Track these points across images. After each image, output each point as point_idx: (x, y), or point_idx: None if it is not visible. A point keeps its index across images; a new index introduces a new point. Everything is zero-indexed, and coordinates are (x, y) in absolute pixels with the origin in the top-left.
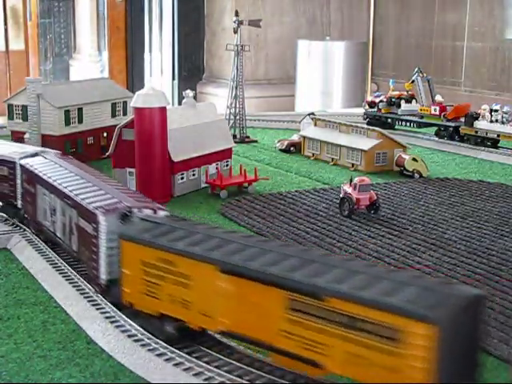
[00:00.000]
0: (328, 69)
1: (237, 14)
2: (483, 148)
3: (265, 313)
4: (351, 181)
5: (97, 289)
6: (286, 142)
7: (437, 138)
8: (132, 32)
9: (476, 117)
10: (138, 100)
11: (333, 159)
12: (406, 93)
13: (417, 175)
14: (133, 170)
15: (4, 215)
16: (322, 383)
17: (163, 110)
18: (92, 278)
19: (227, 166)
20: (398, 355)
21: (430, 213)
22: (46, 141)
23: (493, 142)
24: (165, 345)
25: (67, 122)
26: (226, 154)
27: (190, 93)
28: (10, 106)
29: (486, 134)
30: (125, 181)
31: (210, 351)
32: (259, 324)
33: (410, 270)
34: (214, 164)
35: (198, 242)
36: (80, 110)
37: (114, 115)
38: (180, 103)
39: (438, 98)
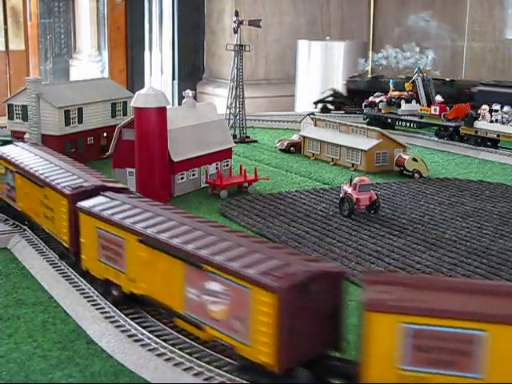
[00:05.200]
0: (328, 69)
1: (237, 14)
2: (483, 148)
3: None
4: (351, 181)
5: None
6: (285, 142)
7: (437, 138)
8: (132, 32)
9: (476, 117)
10: (138, 100)
11: (333, 159)
12: (405, 93)
13: (417, 175)
14: (133, 169)
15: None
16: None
17: (163, 109)
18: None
19: (227, 166)
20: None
21: (430, 213)
22: (46, 141)
23: (493, 142)
24: (165, 345)
25: (67, 122)
26: (226, 153)
27: (189, 93)
28: (10, 106)
29: (486, 133)
30: (125, 181)
31: (210, 351)
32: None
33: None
34: (213, 164)
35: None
36: (80, 110)
37: (113, 115)
38: (180, 103)
39: (438, 98)
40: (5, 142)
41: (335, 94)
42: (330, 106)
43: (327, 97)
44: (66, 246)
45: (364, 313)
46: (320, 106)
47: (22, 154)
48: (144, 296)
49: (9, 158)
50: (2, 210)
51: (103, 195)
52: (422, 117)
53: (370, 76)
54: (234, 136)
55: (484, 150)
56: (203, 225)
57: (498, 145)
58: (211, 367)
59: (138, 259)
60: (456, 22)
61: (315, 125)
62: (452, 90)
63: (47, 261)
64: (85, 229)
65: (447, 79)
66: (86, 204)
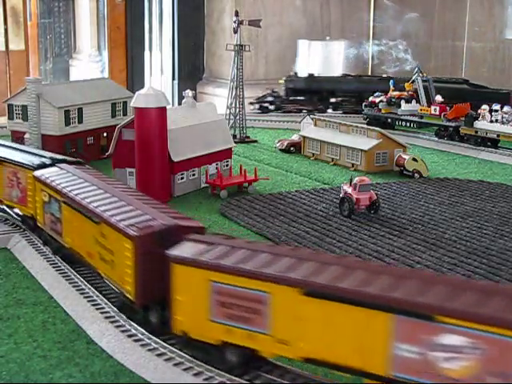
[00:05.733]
0: (328, 69)
1: (237, 14)
2: (483, 148)
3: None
4: (351, 181)
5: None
6: (285, 142)
7: (437, 138)
8: (132, 32)
9: (476, 117)
10: (138, 100)
11: (333, 159)
12: (405, 93)
13: (417, 175)
14: (133, 169)
15: (4, 215)
16: (321, 383)
17: (163, 109)
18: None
19: (227, 166)
20: None
21: (430, 213)
22: (46, 141)
23: (493, 142)
24: (165, 345)
25: (67, 122)
26: (226, 153)
27: (189, 93)
28: (10, 106)
29: (486, 133)
30: (125, 181)
31: None
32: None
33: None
34: (213, 164)
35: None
36: (80, 110)
37: (114, 115)
38: (180, 103)
39: (438, 98)
40: (49, 163)
41: (273, 94)
42: (270, 107)
43: (263, 97)
44: (129, 297)
45: None
46: (257, 106)
47: (69, 180)
48: (311, 360)
49: (53, 184)
50: (46, 243)
51: (192, 240)
52: (421, 117)
53: (306, 75)
54: (234, 136)
55: (484, 150)
56: (374, 266)
57: (498, 145)
58: (211, 367)
59: (299, 316)
60: (456, 22)
61: (315, 125)
62: (387, 86)
63: (47, 261)
64: (184, 283)
65: (384, 76)
66: (183, 252)
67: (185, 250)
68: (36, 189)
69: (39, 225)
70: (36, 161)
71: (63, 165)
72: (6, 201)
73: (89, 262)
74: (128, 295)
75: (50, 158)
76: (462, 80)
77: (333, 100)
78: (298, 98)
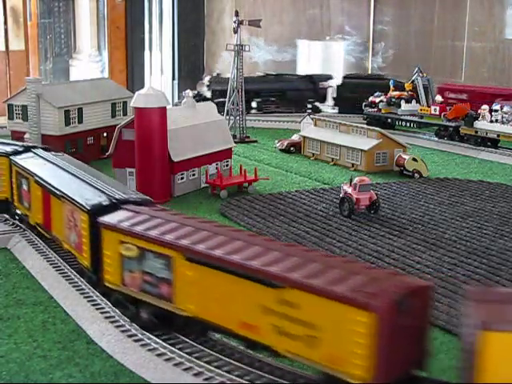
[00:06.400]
0: (328, 69)
1: (237, 14)
2: (483, 148)
3: None
4: (351, 181)
5: None
6: (285, 142)
7: (437, 138)
8: (132, 32)
9: (476, 117)
10: (138, 100)
11: (333, 159)
12: (405, 93)
13: (417, 175)
14: (133, 169)
15: (5, 215)
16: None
17: (163, 110)
18: None
19: (227, 166)
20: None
21: (430, 213)
22: (46, 141)
23: (493, 142)
24: (165, 344)
25: (67, 122)
26: (226, 154)
27: (189, 93)
28: (10, 106)
29: (486, 133)
30: (125, 181)
31: (210, 351)
32: None
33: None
34: (213, 164)
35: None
36: (80, 110)
37: (113, 115)
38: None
39: (438, 98)
40: (106, 204)
41: (198, 95)
42: None
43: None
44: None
45: None
46: None
47: (173, 228)
48: None
49: (154, 234)
50: (117, 304)
51: (477, 300)
52: (422, 117)
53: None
54: (234, 136)
55: (484, 150)
56: None
57: (498, 145)
58: (211, 367)
59: None
60: (456, 22)
61: (315, 125)
62: (309, 84)
63: (47, 261)
64: (502, 356)
65: (305, 74)
66: (496, 318)
67: (487, 314)
68: (106, 239)
69: (108, 284)
70: (92, 200)
71: (130, 206)
72: (66, 243)
73: (245, 337)
74: (354, 382)
75: (111, 198)
76: (377, 76)
77: (257, 100)
78: (223, 99)
